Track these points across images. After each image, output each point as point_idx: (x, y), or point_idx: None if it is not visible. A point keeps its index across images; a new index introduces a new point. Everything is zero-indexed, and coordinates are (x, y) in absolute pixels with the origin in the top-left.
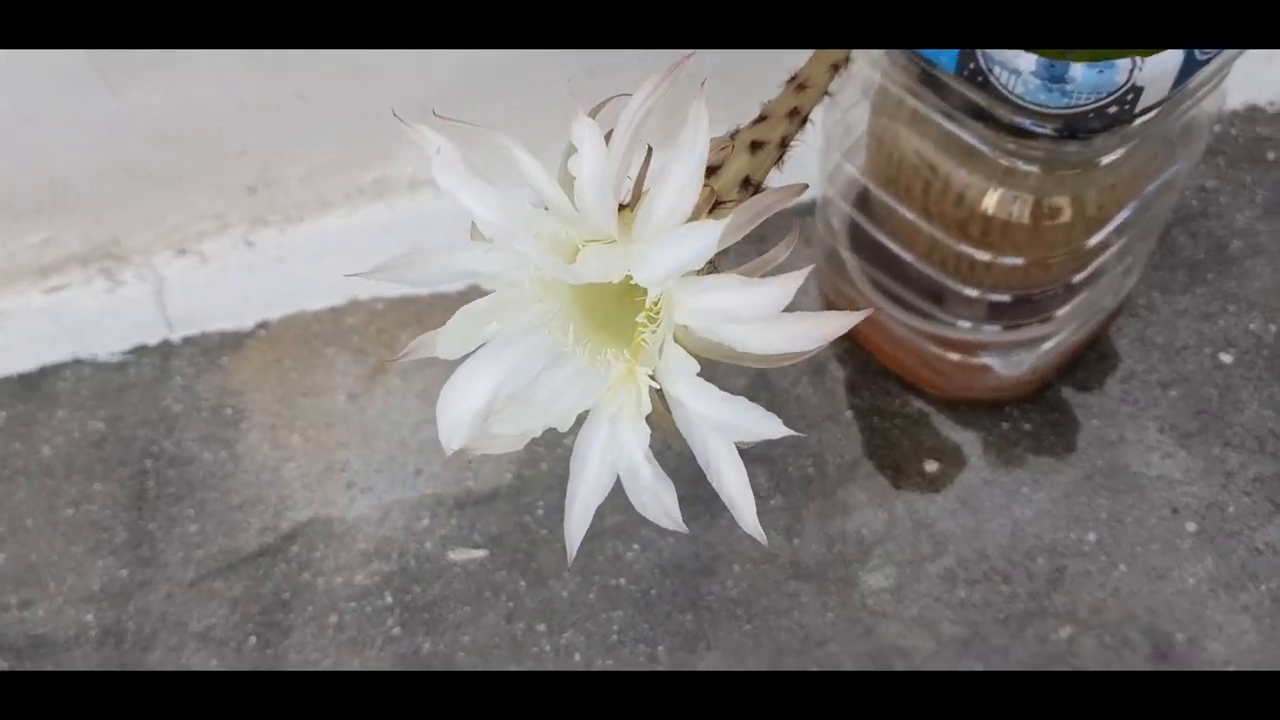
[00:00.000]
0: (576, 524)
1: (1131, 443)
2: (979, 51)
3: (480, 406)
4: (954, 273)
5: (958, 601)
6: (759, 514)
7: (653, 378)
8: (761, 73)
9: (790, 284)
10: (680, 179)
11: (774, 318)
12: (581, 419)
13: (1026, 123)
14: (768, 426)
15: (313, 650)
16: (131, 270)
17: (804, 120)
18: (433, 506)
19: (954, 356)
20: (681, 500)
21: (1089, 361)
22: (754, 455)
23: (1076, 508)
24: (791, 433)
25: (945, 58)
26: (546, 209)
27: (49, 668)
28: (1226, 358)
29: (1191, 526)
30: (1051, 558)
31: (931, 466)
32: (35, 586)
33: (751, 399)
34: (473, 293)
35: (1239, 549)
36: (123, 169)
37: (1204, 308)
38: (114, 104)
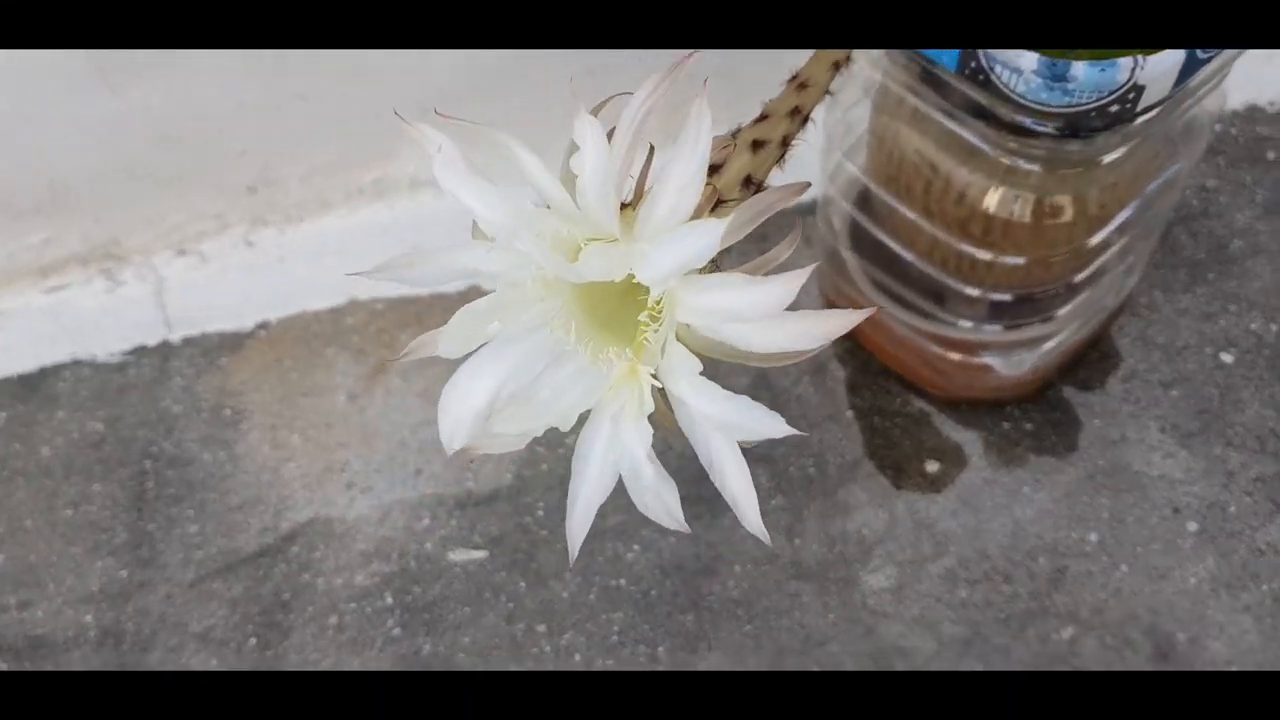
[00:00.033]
0: (578, 524)
1: (1133, 442)
2: (980, 50)
3: (482, 406)
4: (955, 272)
5: (959, 601)
6: (760, 514)
7: (655, 377)
8: (762, 72)
9: (793, 282)
10: (682, 178)
11: (776, 316)
12: (583, 418)
13: (1028, 121)
14: (771, 426)
15: (313, 651)
16: (131, 270)
17: (805, 119)
18: (433, 507)
19: (955, 356)
20: (683, 500)
21: (1090, 361)
22: (755, 455)
23: (1078, 507)
24: (794, 432)
25: (946, 57)
26: (548, 208)
27: (48, 668)
28: (1227, 357)
29: (1193, 526)
30: (1053, 558)
31: (932, 466)
32: (34, 587)
33: (753, 399)
34: (473, 292)
35: (1240, 549)
36: (123, 169)
37: (1205, 307)
38: (114, 104)
